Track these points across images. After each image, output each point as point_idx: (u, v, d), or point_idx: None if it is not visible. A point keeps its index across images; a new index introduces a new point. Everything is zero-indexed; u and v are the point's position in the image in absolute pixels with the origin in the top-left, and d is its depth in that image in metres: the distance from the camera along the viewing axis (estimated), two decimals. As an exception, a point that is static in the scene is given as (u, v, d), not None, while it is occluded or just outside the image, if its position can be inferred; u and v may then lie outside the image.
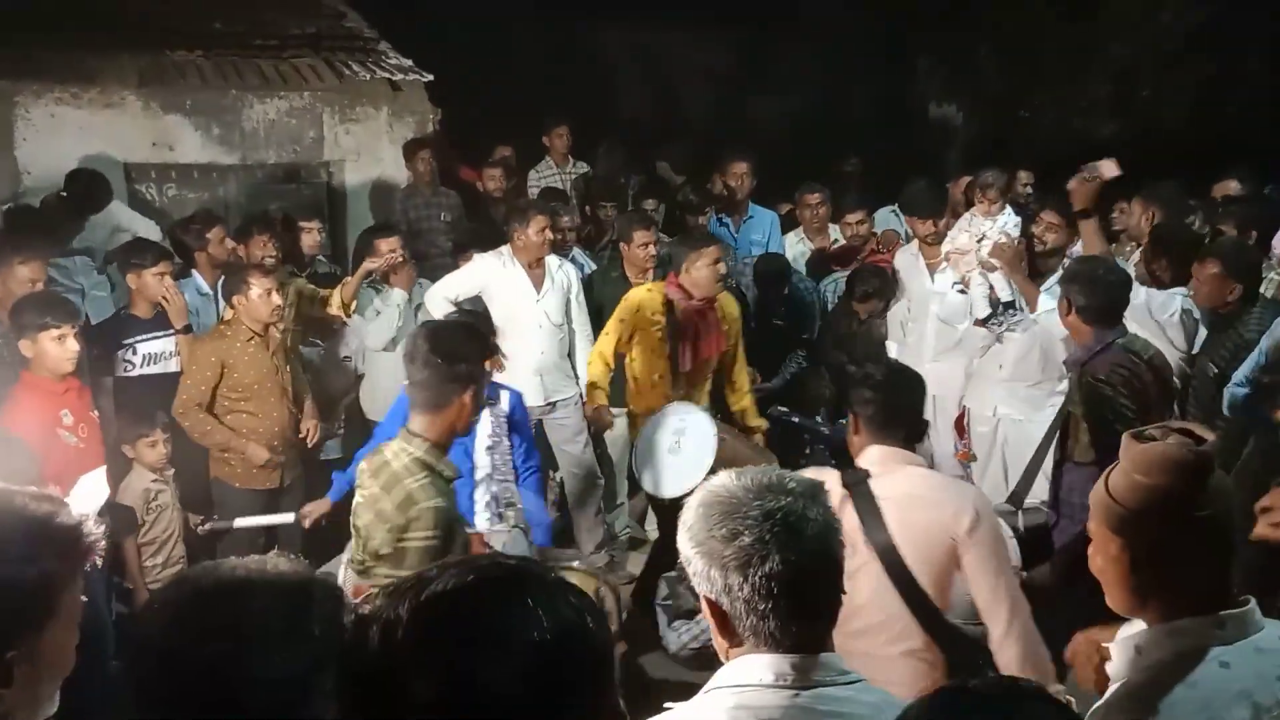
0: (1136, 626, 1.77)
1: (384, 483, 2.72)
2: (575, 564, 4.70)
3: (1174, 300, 4.65)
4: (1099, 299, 3.81)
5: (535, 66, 10.66)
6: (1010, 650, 2.50)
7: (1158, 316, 4.62)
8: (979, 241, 5.18)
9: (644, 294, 5.06)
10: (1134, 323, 4.25)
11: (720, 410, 5.19)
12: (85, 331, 4.39)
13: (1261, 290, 4.50)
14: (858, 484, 2.60)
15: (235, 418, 4.67)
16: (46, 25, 6.53)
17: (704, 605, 1.58)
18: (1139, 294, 4.52)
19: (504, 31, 10.82)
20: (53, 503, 1.35)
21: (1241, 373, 4.03)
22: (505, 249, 5.48)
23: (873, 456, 2.70)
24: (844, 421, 5.60)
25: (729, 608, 1.53)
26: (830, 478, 2.53)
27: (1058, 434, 4.01)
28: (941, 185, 5.99)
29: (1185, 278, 4.61)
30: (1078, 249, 5.26)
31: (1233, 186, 6.13)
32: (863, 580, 2.49)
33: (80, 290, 5.50)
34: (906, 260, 5.81)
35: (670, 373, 5.02)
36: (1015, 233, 5.19)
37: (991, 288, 5.14)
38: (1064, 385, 4.61)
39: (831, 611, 1.59)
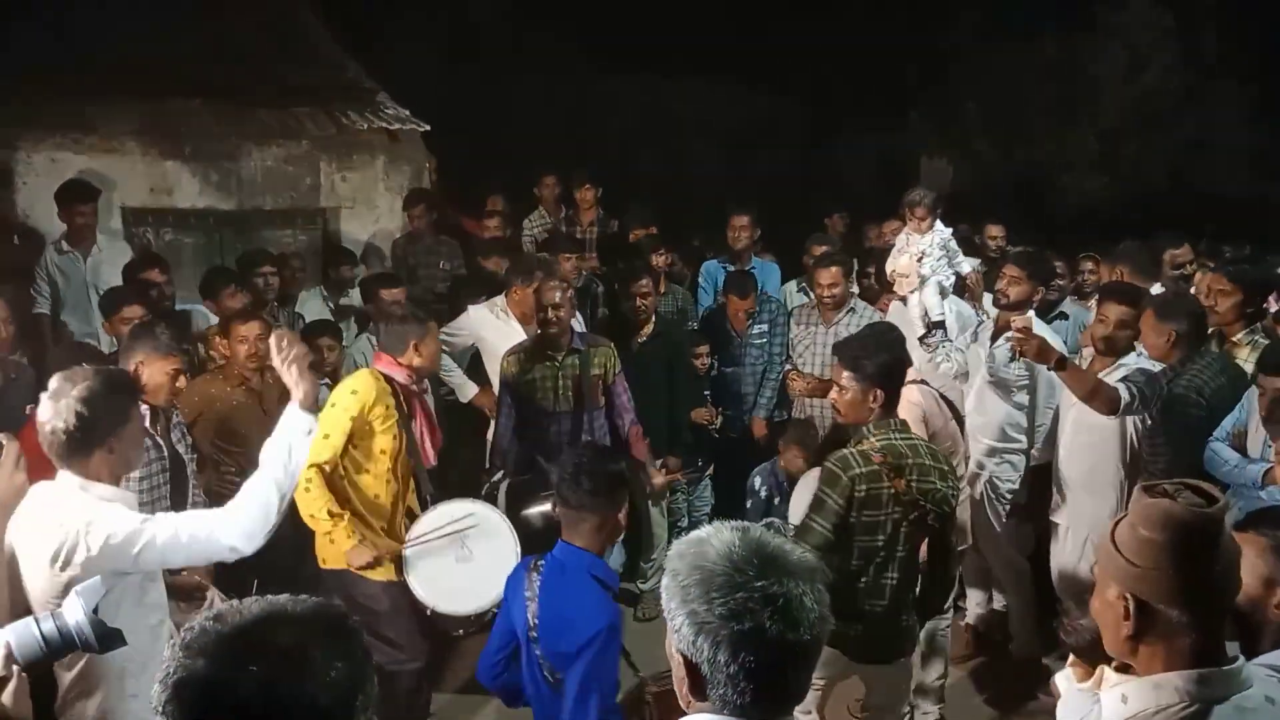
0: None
1: (929, 455, 3.42)
2: None
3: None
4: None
5: (528, 116, 10.80)
6: None
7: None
8: (919, 260, 5.22)
9: (369, 379, 3.92)
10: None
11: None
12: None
13: (1244, 358, 4.30)
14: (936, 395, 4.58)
15: (230, 462, 4.64)
16: (50, 71, 6.60)
17: (677, 658, 1.57)
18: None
19: (497, 83, 10.97)
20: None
21: (1223, 428, 3.97)
22: (499, 300, 5.43)
23: (913, 394, 4.32)
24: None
25: (706, 674, 1.52)
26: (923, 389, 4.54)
27: None
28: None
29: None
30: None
31: (1180, 253, 6.11)
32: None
33: None
34: (895, 307, 5.86)
35: (413, 479, 4.05)
36: (944, 246, 5.25)
37: (925, 309, 5.22)
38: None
39: (801, 693, 1.57)
